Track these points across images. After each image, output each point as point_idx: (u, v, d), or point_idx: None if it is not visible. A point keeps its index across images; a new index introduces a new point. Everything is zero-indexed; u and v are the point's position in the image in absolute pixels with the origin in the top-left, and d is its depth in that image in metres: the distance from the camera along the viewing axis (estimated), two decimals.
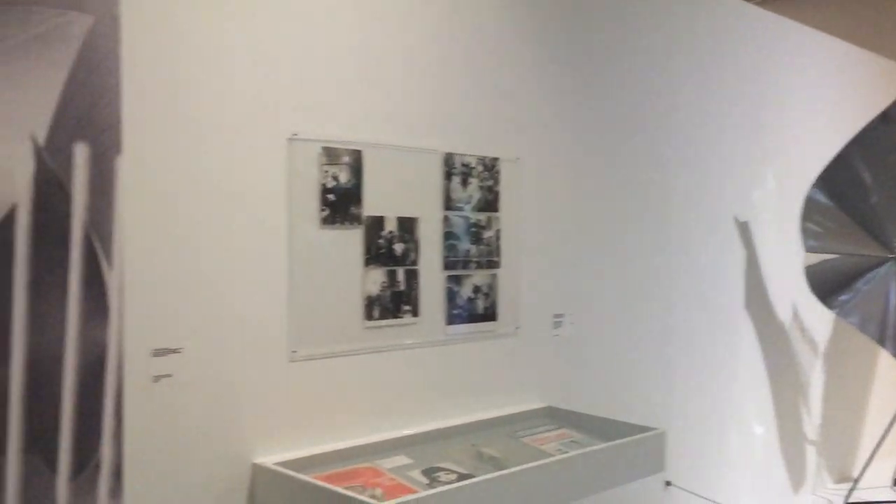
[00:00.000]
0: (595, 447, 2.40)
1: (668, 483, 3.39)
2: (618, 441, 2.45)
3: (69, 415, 1.79)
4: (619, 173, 3.22)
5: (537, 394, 2.89)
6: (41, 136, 1.75)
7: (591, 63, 3.08)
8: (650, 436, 2.54)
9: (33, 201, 1.74)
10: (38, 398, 1.74)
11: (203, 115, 2.05)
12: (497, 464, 2.33)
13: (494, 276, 2.73)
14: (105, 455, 1.84)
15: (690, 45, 3.55)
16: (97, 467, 1.83)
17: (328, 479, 2.07)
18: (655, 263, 3.39)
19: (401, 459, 2.32)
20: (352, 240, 2.35)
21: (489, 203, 2.71)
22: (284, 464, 2.12)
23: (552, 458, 2.29)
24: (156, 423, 1.96)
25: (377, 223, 2.40)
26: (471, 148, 2.65)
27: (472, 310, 2.67)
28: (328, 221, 2.29)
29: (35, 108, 1.75)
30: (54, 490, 1.77)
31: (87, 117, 1.82)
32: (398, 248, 2.46)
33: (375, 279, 2.40)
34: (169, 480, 1.99)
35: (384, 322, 2.42)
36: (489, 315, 2.72)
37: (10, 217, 1.71)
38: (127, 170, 1.89)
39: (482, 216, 2.69)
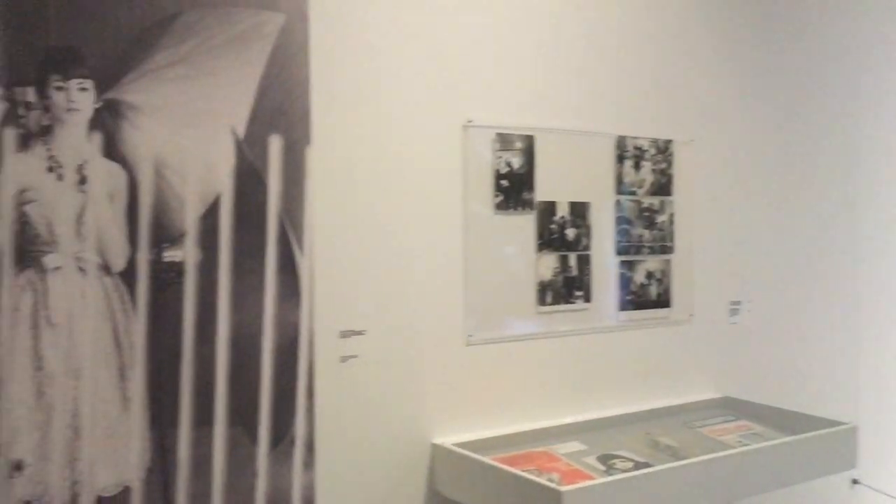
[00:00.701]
0: (781, 440, 2.29)
1: (854, 481, 3.19)
2: (806, 434, 2.33)
3: (267, 391, 1.91)
4: (798, 155, 3.04)
5: (713, 383, 2.79)
6: (240, 130, 1.87)
7: (770, 41, 2.93)
8: (840, 430, 2.39)
9: (234, 191, 1.87)
10: (239, 375, 1.87)
11: (383, 105, 2.12)
12: (674, 453, 2.28)
13: (668, 261, 2.66)
14: (299, 429, 1.95)
15: (877, 20, 3.29)
16: (292, 441, 1.94)
17: (504, 461, 2.09)
18: (840, 248, 3.19)
19: (574, 445, 2.31)
20: (525, 225, 2.36)
21: (662, 187, 2.64)
22: (462, 445, 2.16)
23: (736, 450, 2.21)
24: (343, 401, 2.05)
25: (549, 208, 2.40)
26: (643, 130, 2.59)
27: (645, 296, 2.61)
28: (502, 207, 2.31)
29: (235, 103, 1.87)
30: (255, 460, 1.89)
31: (280, 110, 1.92)
32: (570, 233, 2.44)
33: (548, 264, 2.40)
34: (355, 455, 2.08)
35: (556, 307, 2.42)
36: (662, 301, 2.65)
37: (215, 206, 1.84)
38: (315, 159, 1.98)
39: (655, 200, 2.62)
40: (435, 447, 2.18)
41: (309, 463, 1.97)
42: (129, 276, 1.74)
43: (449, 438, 2.19)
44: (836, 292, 3.18)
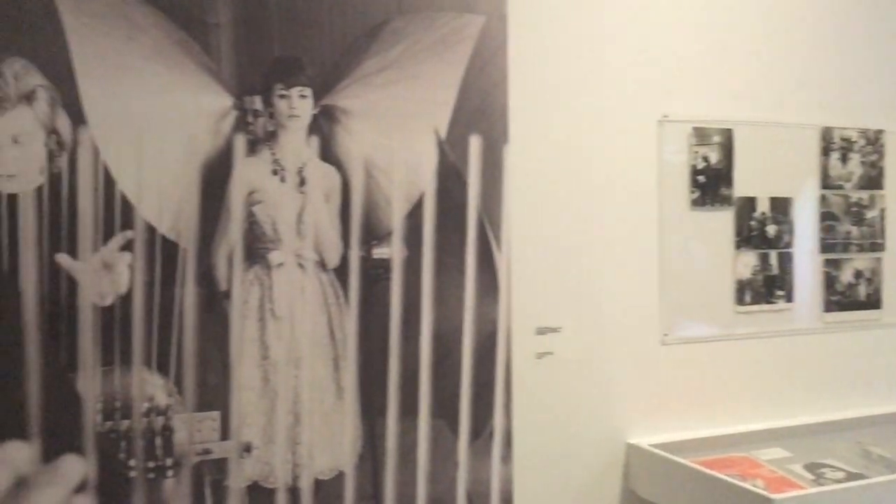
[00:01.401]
0: None
1: None
2: None
3: (467, 385, 1.95)
4: None
5: None
6: (442, 130, 1.93)
7: None
8: None
9: (437, 190, 1.92)
10: (441, 368, 1.93)
11: (578, 102, 2.11)
12: (888, 465, 2.13)
13: (878, 259, 2.49)
14: (497, 424, 1.99)
15: None
16: (491, 434, 1.98)
17: (703, 465, 2.03)
18: None
19: (777, 452, 2.20)
20: (722, 222, 2.28)
21: (872, 180, 2.47)
22: (658, 446, 2.12)
23: None
24: (539, 398, 2.07)
25: (748, 204, 2.30)
26: (851, 120, 2.43)
27: (853, 296, 2.45)
28: (698, 203, 2.24)
29: (437, 105, 1.93)
30: (456, 452, 1.95)
31: (479, 110, 1.97)
32: (771, 229, 2.33)
33: (747, 262, 2.31)
34: (550, 451, 2.09)
35: (756, 307, 2.32)
36: (872, 303, 2.48)
37: (419, 204, 1.91)
38: (512, 158, 2.00)
39: (864, 194, 2.46)
40: (630, 447, 2.15)
41: (506, 457, 2.00)
42: (342, 272, 1.84)
43: (644, 439, 2.16)
44: None
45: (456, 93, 1.94)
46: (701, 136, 2.24)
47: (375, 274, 1.87)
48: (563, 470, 2.10)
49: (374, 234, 1.87)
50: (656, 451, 2.08)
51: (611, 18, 2.14)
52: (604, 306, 2.14)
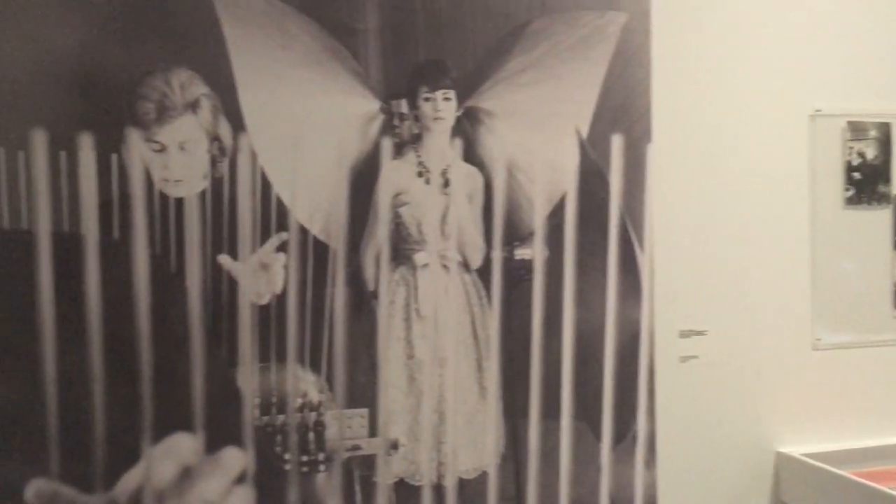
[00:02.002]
0: None
1: None
2: None
3: (609, 387, 1.92)
4: None
5: None
6: (584, 129, 1.90)
7: None
8: None
9: (578, 190, 1.90)
10: (583, 370, 1.91)
11: (724, 98, 2.04)
12: None
13: None
14: (640, 428, 1.95)
15: None
16: (634, 439, 1.94)
17: (862, 477, 1.93)
18: None
19: None
20: (879, 221, 2.15)
21: None
22: (810, 455, 2.03)
23: None
24: (683, 402, 2.01)
25: None
26: None
27: None
28: (853, 202, 2.13)
29: (579, 104, 1.91)
30: (599, 456, 1.92)
31: (621, 109, 1.93)
32: None
33: None
34: (695, 458, 2.03)
35: None
36: None
37: (561, 205, 1.89)
38: (656, 157, 1.96)
39: None
40: (780, 455, 2.06)
41: (650, 462, 1.96)
42: (484, 272, 1.85)
43: (795, 448, 2.06)
44: None
45: (598, 91, 1.91)
46: (856, 130, 2.13)
47: (517, 275, 1.87)
48: (708, 477, 2.04)
49: (516, 234, 1.87)
50: (810, 461, 1.98)
51: (756, 10, 2.06)
52: (752, 309, 2.06)
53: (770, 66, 2.07)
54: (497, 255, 1.85)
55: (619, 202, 1.93)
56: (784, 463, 2.05)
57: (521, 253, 1.87)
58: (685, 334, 2.02)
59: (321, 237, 1.73)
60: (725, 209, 2.05)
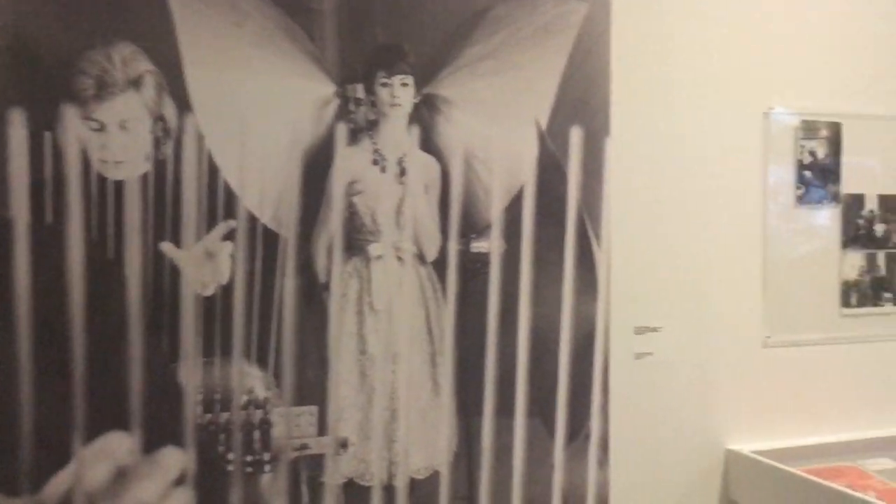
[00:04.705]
0: None
1: None
2: None
3: (564, 384, 1.89)
4: None
5: None
6: (543, 121, 1.86)
7: None
8: None
9: (536, 182, 1.86)
10: (538, 366, 1.86)
11: (682, 94, 2.03)
12: None
13: None
14: (594, 426, 1.92)
15: None
16: (587, 437, 1.91)
17: (810, 474, 1.94)
18: None
19: (886, 462, 2.09)
20: (829, 220, 2.18)
21: None
22: (759, 453, 2.03)
23: None
24: (637, 400, 1.99)
25: (856, 202, 2.19)
26: None
27: None
28: (804, 200, 2.14)
29: (539, 95, 1.86)
30: (552, 453, 1.88)
31: (581, 101, 1.90)
32: (879, 228, 2.22)
33: (853, 263, 2.20)
34: (648, 456, 2.01)
35: (863, 310, 2.21)
36: None
37: (519, 197, 1.85)
38: (614, 151, 1.93)
39: None
40: (730, 453, 2.06)
41: (603, 461, 1.93)
42: (440, 265, 1.79)
43: (745, 445, 2.07)
44: None
45: (558, 82, 1.87)
46: (808, 129, 2.14)
47: (473, 268, 1.82)
48: (660, 474, 2.02)
49: (472, 226, 1.81)
50: (760, 458, 1.99)
51: (715, 8, 2.05)
52: (705, 306, 2.05)
53: (726, 63, 2.07)
54: (453, 248, 1.80)
55: (577, 196, 1.89)
56: (734, 460, 2.05)
57: (478, 246, 1.82)
58: (640, 331, 2.01)
59: (271, 225, 1.65)
60: (681, 205, 2.03)
